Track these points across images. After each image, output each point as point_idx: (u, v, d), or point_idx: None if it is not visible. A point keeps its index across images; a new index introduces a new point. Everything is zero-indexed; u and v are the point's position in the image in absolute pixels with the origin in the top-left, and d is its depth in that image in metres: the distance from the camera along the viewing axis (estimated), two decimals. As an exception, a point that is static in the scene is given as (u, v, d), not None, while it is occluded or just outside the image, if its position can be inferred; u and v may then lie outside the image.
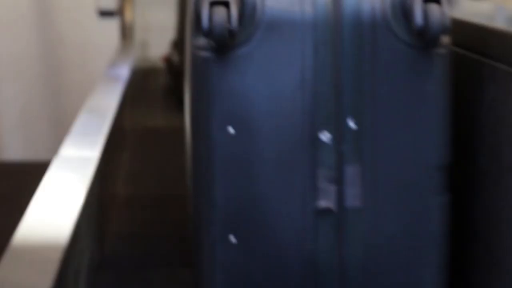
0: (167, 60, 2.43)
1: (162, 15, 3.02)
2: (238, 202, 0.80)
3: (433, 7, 0.76)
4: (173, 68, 2.36)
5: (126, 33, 2.84)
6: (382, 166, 0.80)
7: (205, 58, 0.78)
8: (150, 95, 2.51)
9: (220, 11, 0.76)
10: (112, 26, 2.90)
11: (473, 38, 0.86)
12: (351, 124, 0.79)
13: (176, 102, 2.15)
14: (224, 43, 0.77)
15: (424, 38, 0.78)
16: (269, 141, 0.79)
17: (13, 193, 2.37)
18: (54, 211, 0.87)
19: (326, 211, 0.80)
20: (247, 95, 0.79)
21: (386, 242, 0.81)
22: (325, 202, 0.80)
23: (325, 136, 0.79)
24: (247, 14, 0.77)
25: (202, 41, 0.78)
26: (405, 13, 0.78)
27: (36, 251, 0.76)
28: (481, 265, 0.87)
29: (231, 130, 0.79)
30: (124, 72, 1.96)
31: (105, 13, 2.75)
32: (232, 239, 0.81)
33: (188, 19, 0.83)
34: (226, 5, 0.76)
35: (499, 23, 1.07)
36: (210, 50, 0.77)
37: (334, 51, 0.78)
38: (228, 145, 0.79)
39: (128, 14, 2.85)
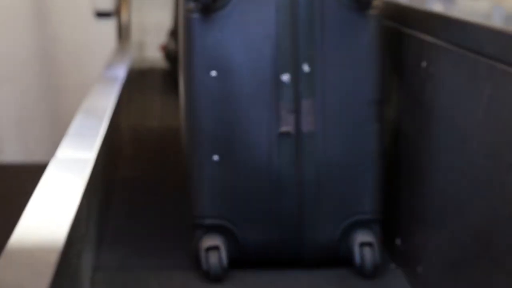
0: (165, 48, 2.72)
1: (159, 15, 3.14)
2: (220, 129, 1.16)
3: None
4: (170, 55, 2.64)
5: (123, 33, 2.96)
6: (330, 100, 1.15)
7: (194, 18, 1.14)
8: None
9: None
10: (109, 27, 3.01)
11: (470, 37, 0.97)
12: (306, 68, 1.15)
13: (173, 84, 2.39)
14: (208, 7, 1.12)
15: (359, 2, 1.14)
16: (243, 81, 1.15)
17: (10, 195, 2.40)
18: (51, 213, 0.91)
19: (287, 134, 1.15)
20: (225, 46, 1.14)
21: (333, 159, 1.16)
22: (286, 128, 1.15)
23: (285, 77, 1.15)
24: (225, -16, 1.14)
25: (192, 5, 1.14)
26: (345, -17, 1.15)
27: (32, 253, 0.80)
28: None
29: (213, 73, 1.14)
30: (121, 72, 2.04)
31: (101, 14, 2.94)
32: (216, 157, 1.16)
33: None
34: None
35: (496, 22, 1.14)
36: (198, 12, 1.13)
37: (292, 12, 1.13)
38: (211, 84, 1.15)
39: (124, 15, 2.96)
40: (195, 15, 1.13)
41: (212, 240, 1.17)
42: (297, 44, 1.14)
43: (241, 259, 1.19)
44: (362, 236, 1.18)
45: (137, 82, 2.63)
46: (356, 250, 1.18)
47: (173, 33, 2.59)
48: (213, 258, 1.16)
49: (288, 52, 1.14)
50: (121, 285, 1.17)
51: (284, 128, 1.15)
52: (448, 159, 1.04)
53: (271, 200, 1.17)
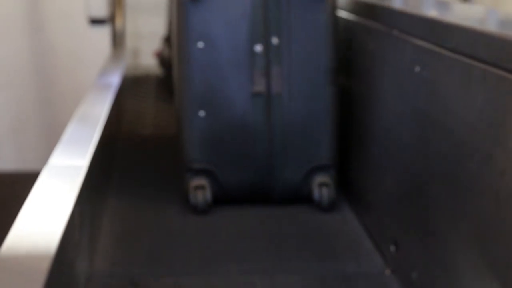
0: (159, 54, 2.99)
1: (153, 22, 3.41)
2: (206, 90, 1.59)
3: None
4: (164, 62, 2.90)
5: (117, 40, 3.15)
6: (294, 67, 1.58)
7: (185, 0, 1.59)
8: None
9: None
10: (103, 34, 3.20)
11: (463, 41, 1.04)
12: (274, 40, 1.58)
13: (167, 91, 2.62)
14: None
15: (317, -12, 1.58)
16: (224, 51, 1.58)
17: (3, 203, 2.63)
18: (44, 220, 0.96)
19: (259, 94, 1.59)
20: (210, 23, 1.58)
21: (297, 115, 1.59)
22: (259, 89, 1.59)
23: (258, 48, 1.58)
24: (210, -27, 1.58)
25: (183, -10, 1.59)
26: (306, -28, 1.59)
27: (25, 261, 0.84)
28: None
29: (200, 44, 1.58)
30: (115, 80, 2.16)
31: (96, 21, 3.15)
32: (202, 113, 1.59)
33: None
34: None
35: (490, 27, 1.17)
36: (188, -4, 1.58)
37: (263, -5, 1.58)
38: (199, 54, 1.58)
39: (119, 22, 3.17)
40: (186, -1, 1.58)
41: (199, 181, 1.59)
42: (268, 21, 1.56)
43: (223, 196, 1.60)
44: (320, 178, 1.60)
45: (131, 90, 2.85)
46: (315, 189, 1.60)
47: (167, 40, 2.82)
48: (199, 195, 1.59)
49: (261, 28, 1.57)
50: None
51: (257, 89, 1.59)
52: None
53: (246, 148, 1.59)
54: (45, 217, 0.98)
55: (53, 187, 1.10)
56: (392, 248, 1.34)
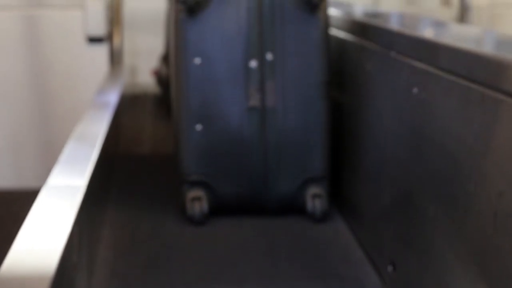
0: (157, 73, 3.08)
1: (151, 40, 3.49)
2: (202, 104, 1.68)
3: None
4: (162, 80, 2.99)
5: (115, 58, 3.21)
6: (288, 82, 1.68)
7: (182, 18, 1.68)
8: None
9: None
10: (101, 52, 3.22)
11: (461, 63, 1.06)
12: (269, 56, 1.67)
13: (165, 110, 2.66)
14: (193, 8, 1.67)
15: (310, 4, 1.68)
16: (220, 67, 1.67)
17: (1, 221, 2.64)
18: (42, 241, 0.98)
19: (254, 108, 1.68)
20: (207, 39, 1.68)
21: (291, 128, 1.68)
22: (254, 103, 1.68)
23: (253, 64, 1.68)
24: (206, -9, 1.68)
25: (180, 7, 1.69)
26: (299, -9, 1.69)
27: (24, 281, 0.85)
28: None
29: (197, 60, 1.68)
30: (113, 98, 2.18)
31: (94, 39, 3.18)
32: (198, 127, 1.69)
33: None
34: None
35: (487, 48, 1.17)
36: (185, 13, 1.68)
37: (259, 12, 1.67)
38: (196, 69, 1.67)
39: (117, 40, 3.23)
40: (183, 16, 1.68)
41: (195, 192, 1.68)
42: (262, 38, 1.66)
43: (219, 207, 1.69)
44: (313, 189, 1.69)
45: (129, 108, 2.91)
46: (309, 200, 1.69)
47: (165, 59, 2.91)
48: (196, 207, 1.68)
49: (255, 44, 1.66)
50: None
51: (252, 103, 1.68)
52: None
53: (242, 161, 1.68)
54: (44, 237, 0.99)
55: (52, 207, 1.12)
56: (390, 268, 1.37)
